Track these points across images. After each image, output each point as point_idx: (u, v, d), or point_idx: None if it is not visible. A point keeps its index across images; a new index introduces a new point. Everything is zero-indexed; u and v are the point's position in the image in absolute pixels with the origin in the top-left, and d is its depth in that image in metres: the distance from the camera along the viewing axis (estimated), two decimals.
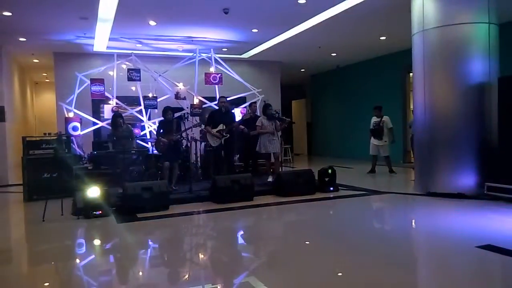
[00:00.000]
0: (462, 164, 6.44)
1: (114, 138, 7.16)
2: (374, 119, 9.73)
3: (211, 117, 7.84)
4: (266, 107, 7.96)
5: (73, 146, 8.96)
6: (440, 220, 5.42)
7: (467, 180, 6.43)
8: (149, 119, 10.05)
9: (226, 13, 7.84)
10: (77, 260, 4.25)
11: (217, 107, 8.49)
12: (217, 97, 9.63)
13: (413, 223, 5.64)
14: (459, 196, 6.34)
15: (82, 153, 9.41)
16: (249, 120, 8.66)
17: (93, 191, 5.77)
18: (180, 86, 9.85)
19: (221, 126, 7.57)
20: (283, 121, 7.95)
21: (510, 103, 6.08)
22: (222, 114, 7.77)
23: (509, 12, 7.83)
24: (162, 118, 7.53)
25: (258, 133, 7.83)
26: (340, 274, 3.53)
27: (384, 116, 9.61)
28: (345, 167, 10.98)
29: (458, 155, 6.45)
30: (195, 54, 10.06)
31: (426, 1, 6.58)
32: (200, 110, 9.59)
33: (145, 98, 9.89)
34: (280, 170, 7.90)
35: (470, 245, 4.05)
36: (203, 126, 8.42)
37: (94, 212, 5.72)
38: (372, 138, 9.73)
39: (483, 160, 6.37)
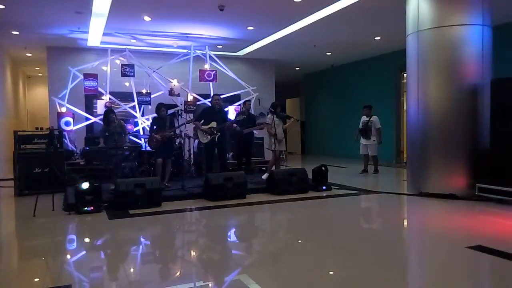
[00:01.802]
0: (454, 165, 6.48)
1: (106, 134, 7.12)
2: (363, 118, 9.78)
3: (203, 114, 7.83)
4: (275, 106, 8.05)
5: (65, 141, 8.90)
6: (431, 220, 5.45)
7: (458, 181, 6.46)
8: (142, 115, 10.01)
9: (221, 10, 7.82)
10: (68, 256, 4.23)
11: (210, 104, 8.47)
12: (211, 94, 9.62)
13: (404, 223, 5.67)
14: (451, 196, 6.38)
15: (74, 148, 9.36)
16: (243, 119, 8.66)
17: (85, 187, 5.74)
18: (174, 82, 9.82)
19: (213, 124, 7.55)
20: (288, 118, 8.11)
21: (502, 105, 6.11)
22: (215, 112, 7.75)
23: (502, 14, 7.89)
24: (155, 115, 7.50)
25: (268, 132, 7.94)
26: (331, 272, 3.54)
27: (373, 116, 9.64)
28: (338, 166, 11.01)
29: (450, 156, 6.49)
30: (189, 51, 10.03)
31: (421, 2, 6.60)
32: (194, 107, 9.58)
33: (139, 94, 9.85)
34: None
35: (460, 245, 4.07)
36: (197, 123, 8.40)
37: (86, 208, 5.70)
38: (361, 137, 9.77)
39: (475, 161, 6.41)
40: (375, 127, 9.57)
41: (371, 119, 9.60)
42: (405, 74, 8.18)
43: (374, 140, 9.60)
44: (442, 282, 3.31)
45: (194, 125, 7.80)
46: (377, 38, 10.30)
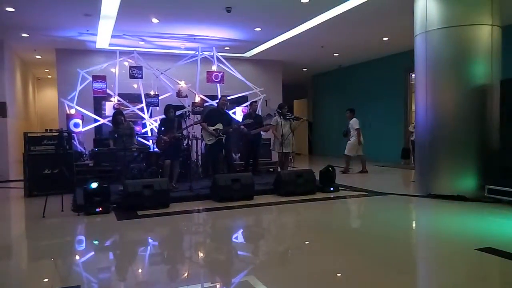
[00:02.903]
0: (463, 166, 6.43)
1: (116, 135, 7.16)
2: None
3: (209, 115, 7.83)
4: (282, 106, 8.13)
5: (74, 142, 8.97)
6: (440, 222, 5.41)
7: (468, 182, 6.41)
8: (150, 116, 10.06)
9: (228, 11, 7.83)
10: (77, 257, 4.26)
11: (217, 106, 8.46)
12: (219, 95, 9.63)
13: (413, 225, 5.64)
14: (460, 198, 6.32)
15: (83, 150, 9.42)
16: (249, 118, 8.65)
17: (94, 188, 5.78)
18: (182, 84, 9.84)
19: (219, 126, 7.55)
20: (297, 119, 8.12)
21: None
22: (221, 114, 7.75)
23: None
24: (163, 116, 7.53)
25: (272, 133, 8.13)
26: (339, 274, 3.53)
27: (353, 119, 10.23)
28: None
29: (459, 157, 6.44)
30: (197, 52, 10.06)
31: (429, 2, 6.57)
32: (201, 109, 9.59)
33: (147, 95, 9.89)
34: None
35: (470, 247, 4.04)
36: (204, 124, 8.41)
37: (95, 209, 5.73)
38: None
39: (484, 162, 6.36)
40: (353, 128, 10.14)
41: (350, 122, 10.22)
42: (413, 75, 8.14)
43: (349, 141, 10.15)
44: (452, 285, 3.28)
45: (201, 125, 7.81)
46: (385, 38, 10.25)
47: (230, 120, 8.01)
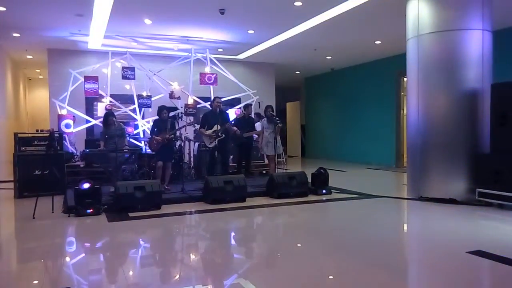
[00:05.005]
0: (454, 170, 6.47)
1: (106, 136, 7.12)
2: None
3: (205, 118, 7.80)
4: (266, 108, 8.13)
5: (66, 143, 8.90)
6: (431, 225, 5.44)
7: (458, 185, 6.46)
8: (142, 118, 10.01)
9: (222, 13, 7.83)
10: (67, 259, 4.22)
11: (210, 108, 8.46)
12: (212, 97, 9.62)
13: (404, 227, 5.67)
14: (451, 201, 6.37)
15: (74, 150, 9.36)
16: (242, 121, 8.66)
17: (85, 189, 5.73)
18: (175, 85, 9.83)
19: (216, 127, 7.53)
20: (275, 124, 8.00)
21: (502, 110, 6.12)
22: (217, 115, 7.73)
23: (502, 19, 7.91)
24: (157, 117, 7.51)
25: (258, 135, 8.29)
26: (331, 277, 3.54)
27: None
28: (338, 170, 11.00)
29: (450, 160, 6.48)
30: (190, 54, 10.05)
31: (421, 7, 6.62)
32: (194, 110, 9.58)
33: (139, 96, 9.86)
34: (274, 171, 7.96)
35: (460, 250, 4.07)
36: (197, 126, 8.39)
37: (85, 210, 5.69)
38: None
39: (475, 165, 6.41)
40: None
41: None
42: (405, 78, 8.18)
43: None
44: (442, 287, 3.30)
45: (199, 132, 7.79)
46: (377, 42, 10.31)
47: (226, 119, 8.00)
